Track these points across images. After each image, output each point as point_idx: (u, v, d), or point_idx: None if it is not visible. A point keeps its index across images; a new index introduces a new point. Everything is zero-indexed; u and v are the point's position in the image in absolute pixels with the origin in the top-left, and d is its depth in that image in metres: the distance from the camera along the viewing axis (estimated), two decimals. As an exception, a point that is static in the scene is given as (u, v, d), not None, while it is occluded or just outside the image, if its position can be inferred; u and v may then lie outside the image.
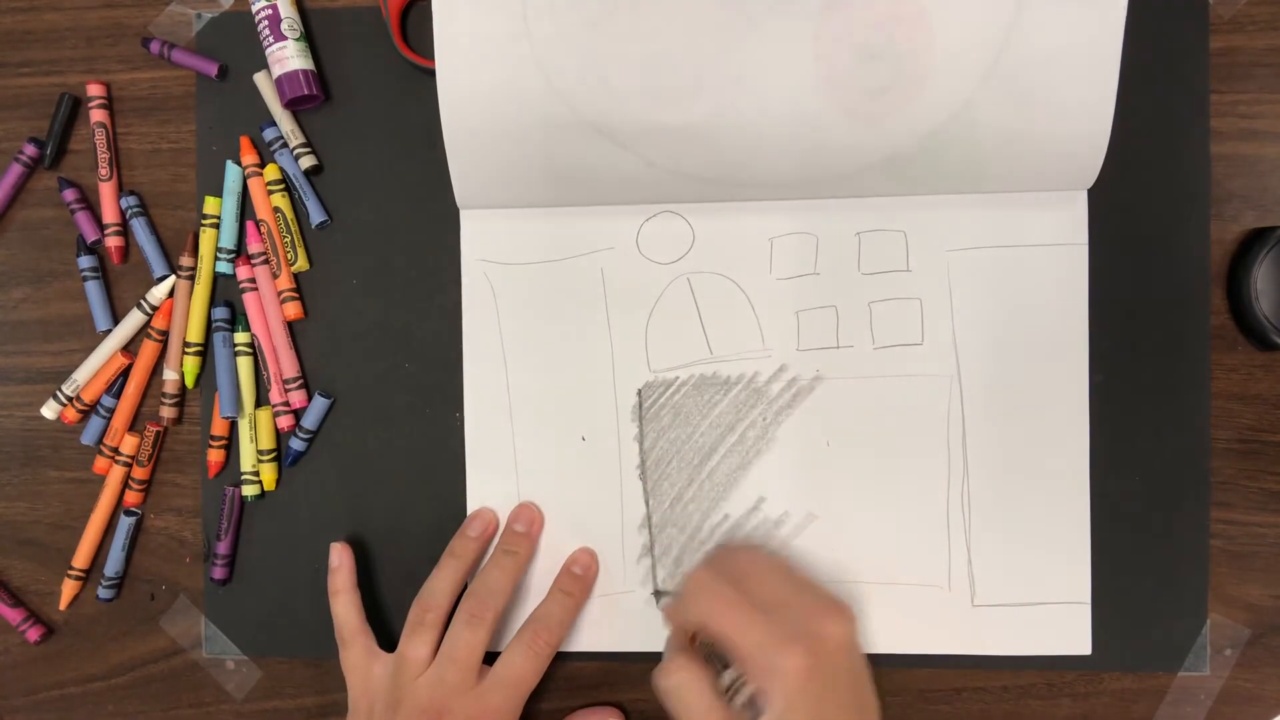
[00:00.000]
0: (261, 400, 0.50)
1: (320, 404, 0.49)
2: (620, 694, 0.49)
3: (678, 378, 0.48)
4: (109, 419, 0.50)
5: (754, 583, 0.40)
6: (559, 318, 0.48)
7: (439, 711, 0.42)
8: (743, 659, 0.39)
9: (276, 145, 0.49)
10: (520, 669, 0.44)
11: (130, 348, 0.50)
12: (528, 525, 0.47)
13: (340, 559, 0.47)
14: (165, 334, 0.50)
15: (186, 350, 0.49)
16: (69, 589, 0.50)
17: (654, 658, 0.48)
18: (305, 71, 0.48)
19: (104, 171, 0.50)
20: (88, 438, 0.50)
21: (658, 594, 0.48)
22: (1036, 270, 0.47)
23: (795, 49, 0.43)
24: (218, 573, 0.49)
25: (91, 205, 0.51)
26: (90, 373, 0.50)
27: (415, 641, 0.44)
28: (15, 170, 0.50)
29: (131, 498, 0.50)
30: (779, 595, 0.40)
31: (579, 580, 0.47)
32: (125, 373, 0.50)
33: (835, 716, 0.38)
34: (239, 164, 0.49)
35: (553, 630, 0.45)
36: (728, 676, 0.41)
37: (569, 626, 0.47)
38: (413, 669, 0.44)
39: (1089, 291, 0.47)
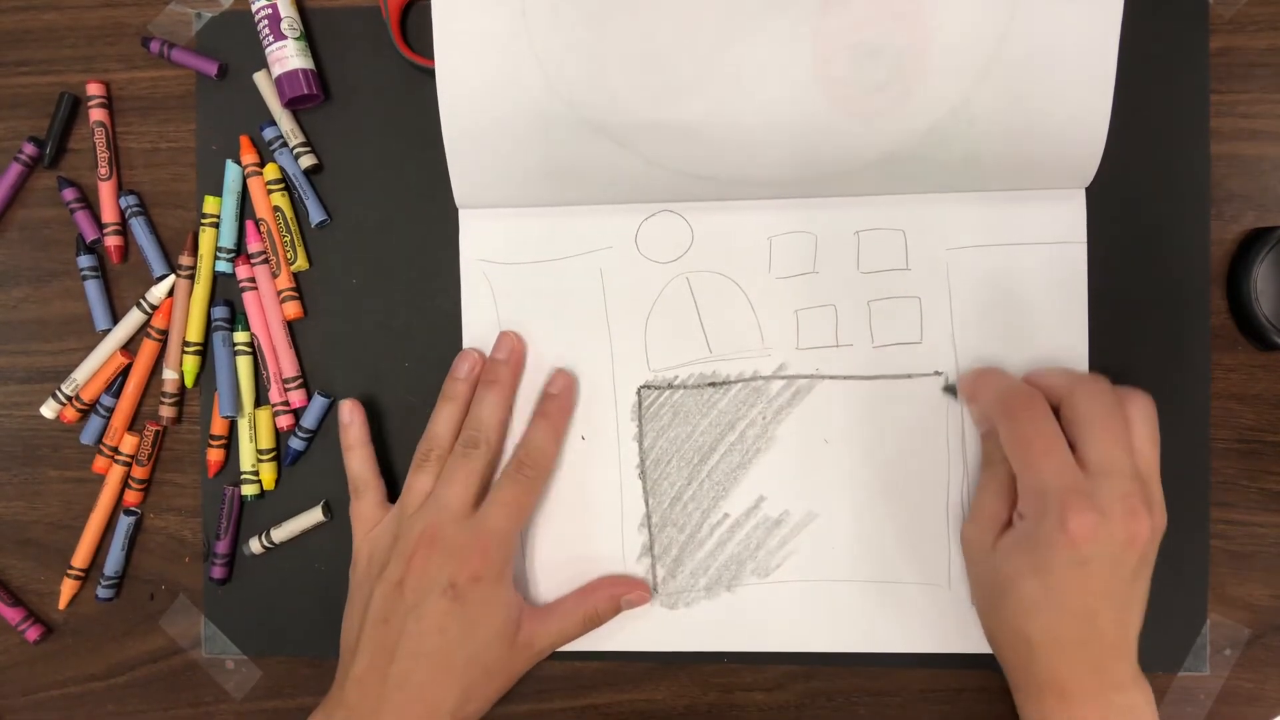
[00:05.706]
0: (261, 400, 0.50)
1: (320, 403, 0.49)
2: (620, 694, 0.49)
3: (677, 377, 0.48)
4: (108, 418, 0.50)
5: (1092, 433, 0.38)
6: (558, 317, 0.48)
7: (432, 537, 0.43)
8: (1030, 493, 0.38)
9: (276, 144, 0.49)
10: (511, 494, 0.45)
11: (130, 347, 0.50)
12: (508, 353, 0.47)
13: (351, 415, 0.47)
14: (165, 333, 0.50)
15: (186, 349, 0.49)
16: (68, 588, 0.50)
17: (654, 658, 0.48)
18: (305, 71, 0.48)
19: (103, 171, 0.50)
20: (87, 437, 0.50)
21: (950, 389, 0.47)
22: (1035, 269, 0.47)
23: (794, 47, 0.43)
24: (217, 572, 0.49)
25: (91, 204, 0.51)
26: (90, 372, 0.50)
27: (419, 474, 0.45)
28: (15, 170, 0.50)
29: (131, 497, 0.50)
30: (1107, 462, 0.38)
31: (555, 400, 0.47)
32: (125, 372, 0.50)
33: (1094, 602, 0.37)
34: (239, 163, 0.49)
35: (534, 456, 0.46)
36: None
37: (554, 453, 0.47)
38: (416, 499, 0.45)
39: (1088, 291, 0.47)
